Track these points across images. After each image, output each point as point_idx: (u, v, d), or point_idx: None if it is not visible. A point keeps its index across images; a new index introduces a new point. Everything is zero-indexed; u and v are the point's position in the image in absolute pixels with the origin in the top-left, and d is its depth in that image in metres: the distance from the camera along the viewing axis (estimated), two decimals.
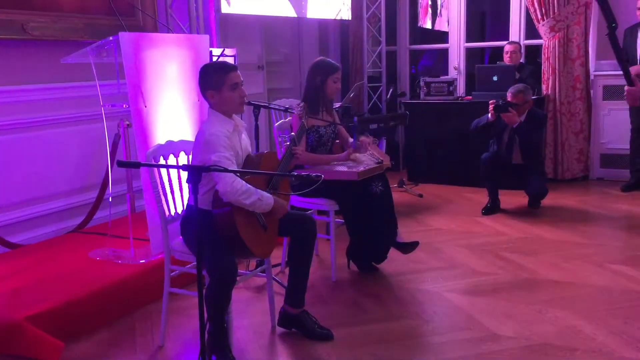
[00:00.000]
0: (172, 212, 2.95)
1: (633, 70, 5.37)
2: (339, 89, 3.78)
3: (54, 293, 3.09)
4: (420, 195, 5.76)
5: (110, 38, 3.34)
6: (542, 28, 6.06)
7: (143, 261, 3.51)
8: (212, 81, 2.75)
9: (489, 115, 4.90)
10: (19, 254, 3.79)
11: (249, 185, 2.60)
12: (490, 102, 4.92)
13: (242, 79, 2.80)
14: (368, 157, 3.72)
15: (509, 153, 5.06)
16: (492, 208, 5.14)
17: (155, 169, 2.83)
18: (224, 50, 4.47)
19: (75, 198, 4.44)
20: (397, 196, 5.57)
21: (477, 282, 3.61)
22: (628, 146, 5.73)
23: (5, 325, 2.80)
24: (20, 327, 2.78)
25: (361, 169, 3.51)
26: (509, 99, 4.91)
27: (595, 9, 6.04)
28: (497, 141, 5.13)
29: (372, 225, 3.63)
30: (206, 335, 2.42)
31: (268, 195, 2.69)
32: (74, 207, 4.42)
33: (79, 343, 2.96)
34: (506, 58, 6.13)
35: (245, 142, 2.91)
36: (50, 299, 3.01)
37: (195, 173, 2.20)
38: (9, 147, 3.98)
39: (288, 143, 3.06)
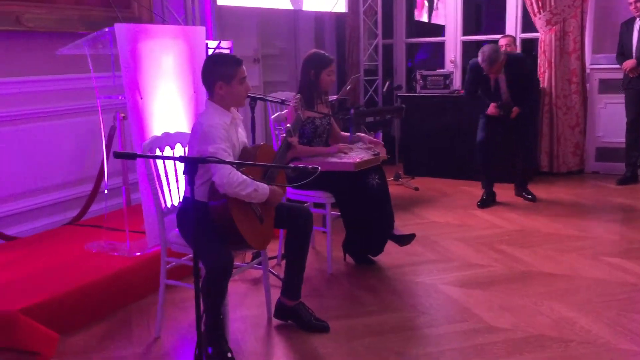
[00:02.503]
0: (169, 204, 2.95)
1: (628, 64, 5.40)
2: (334, 82, 3.77)
3: (50, 285, 3.08)
4: (416, 189, 5.77)
5: (106, 29, 3.32)
6: (539, 21, 6.06)
7: (139, 254, 3.51)
8: (223, 73, 2.73)
9: (489, 110, 4.97)
10: (15, 246, 3.78)
11: (245, 177, 2.60)
12: (492, 105, 4.94)
13: (246, 73, 2.80)
14: (364, 149, 3.72)
15: (496, 93, 5.01)
16: (488, 200, 5.15)
17: (152, 161, 2.83)
18: (220, 42, 4.45)
19: (71, 190, 4.42)
20: (393, 189, 5.56)
21: (473, 275, 3.62)
22: (624, 140, 5.74)
23: (0, 317, 2.80)
24: (15, 319, 2.77)
25: (358, 160, 3.51)
26: (485, 71, 4.83)
27: (592, 2, 6.05)
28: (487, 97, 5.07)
29: (369, 218, 3.64)
30: (202, 327, 2.42)
31: (264, 185, 2.68)
32: (70, 199, 4.41)
33: (75, 335, 2.96)
34: None
35: (242, 135, 2.91)
36: (45, 291, 3.00)
37: (192, 164, 2.20)
38: (4, 139, 3.96)
39: (284, 135, 3.05)
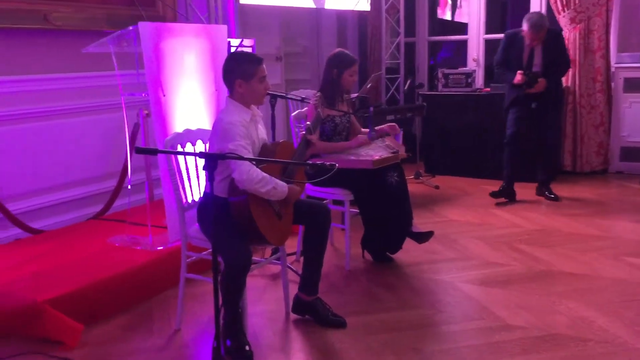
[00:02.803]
0: (189, 199, 3.00)
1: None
2: (356, 82, 3.80)
3: (74, 277, 3.16)
4: (437, 187, 5.76)
5: (130, 28, 3.39)
6: (563, 19, 6.01)
7: (160, 248, 3.57)
8: (243, 71, 2.77)
9: (514, 80, 4.91)
10: (40, 239, 3.88)
11: (265, 174, 2.64)
12: (519, 72, 4.88)
13: (266, 72, 2.84)
14: (383, 147, 3.74)
15: (529, 64, 4.97)
16: (503, 193, 5.15)
17: (173, 157, 2.88)
18: (242, 40, 4.50)
19: (95, 186, 4.52)
20: (413, 187, 5.59)
21: (491, 273, 3.62)
22: None
23: (27, 308, 2.89)
24: (40, 309, 2.86)
25: (376, 157, 3.53)
26: (529, 38, 4.81)
27: (617, 0, 5.97)
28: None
29: (387, 216, 3.66)
30: (221, 321, 2.47)
31: (282, 183, 2.72)
32: (94, 194, 4.50)
33: (98, 326, 3.03)
34: None
35: (262, 132, 2.95)
36: (70, 282, 3.08)
37: (211, 160, 2.24)
38: (32, 135, 4.07)
39: (304, 132, 3.08)
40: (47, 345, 2.82)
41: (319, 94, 3.58)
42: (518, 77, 4.88)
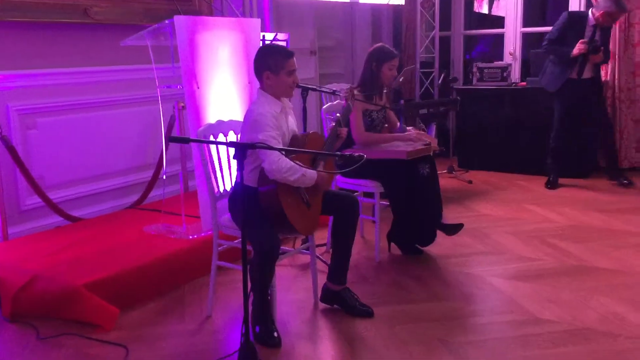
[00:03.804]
0: (221, 189, 3.07)
1: None
2: (395, 76, 3.83)
3: (111, 263, 3.27)
4: (470, 182, 5.73)
5: (166, 21, 3.47)
6: None
7: (194, 236, 3.66)
8: (272, 63, 2.81)
9: (575, 50, 5.03)
10: (79, 226, 4.01)
11: (293, 163, 2.68)
12: (580, 41, 5.03)
13: (297, 65, 2.88)
14: (414, 140, 3.75)
15: (581, 68, 5.12)
16: (555, 182, 5.38)
17: (205, 147, 2.95)
18: (276, 34, 4.55)
19: (132, 176, 4.64)
20: (446, 182, 5.57)
21: (522, 268, 3.60)
22: None
23: (65, 291, 3.01)
24: (78, 293, 2.97)
25: (410, 149, 3.55)
26: (611, 16, 5.00)
27: None
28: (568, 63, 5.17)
29: (418, 208, 3.66)
30: (250, 307, 2.53)
31: (312, 170, 2.76)
32: (131, 185, 4.63)
33: (133, 311, 3.13)
34: None
35: (292, 123, 2.99)
36: (107, 268, 3.19)
37: (241, 150, 2.30)
38: (72, 126, 4.20)
39: (334, 124, 3.11)
40: (84, 328, 2.93)
41: (348, 86, 3.61)
42: (580, 45, 5.01)
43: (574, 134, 5.52)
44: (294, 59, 2.86)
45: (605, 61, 5.48)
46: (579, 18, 5.17)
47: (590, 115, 5.37)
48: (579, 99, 5.26)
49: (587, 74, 5.17)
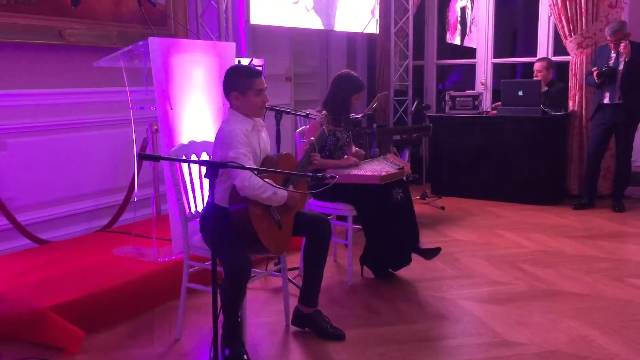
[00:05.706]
0: (192, 209, 3.05)
1: None
2: (359, 103, 3.89)
3: (78, 285, 3.20)
4: (443, 208, 5.78)
5: (140, 43, 3.48)
6: (570, 44, 6.05)
7: (165, 259, 3.61)
8: (239, 84, 2.84)
9: (595, 79, 5.41)
10: (47, 249, 3.93)
11: (265, 181, 2.67)
12: (593, 69, 5.42)
13: (265, 85, 2.89)
14: (387, 163, 3.78)
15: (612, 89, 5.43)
16: (585, 205, 5.63)
17: (177, 168, 2.94)
18: (252, 60, 4.59)
19: (104, 199, 4.58)
20: (419, 208, 5.59)
21: (492, 291, 3.62)
22: None
23: (30, 313, 2.93)
24: (43, 315, 2.90)
25: (383, 173, 3.57)
26: (608, 37, 5.35)
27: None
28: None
29: (393, 233, 3.67)
30: (220, 330, 2.49)
31: (283, 189, 2.76)
32: (102, 207, 4.56)
33: (99, 334, 3.07)
34: (537, 77, 6.13)
35: (265, 141, 2.99)
36: (73, 290, 3.12)
37: (213, 168, 2.29)
38: (43, 148, 4.15)
39: (308, 147, 3.13)
40: (49, 351, 2.85)
41: (324, 112, 3.64)
42: (594, 73, 5.36)
43: (544, 163, 5.62)
44: (262, 78, 2.87)
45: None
46: (605, 48, 5.51)
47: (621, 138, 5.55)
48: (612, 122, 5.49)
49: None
